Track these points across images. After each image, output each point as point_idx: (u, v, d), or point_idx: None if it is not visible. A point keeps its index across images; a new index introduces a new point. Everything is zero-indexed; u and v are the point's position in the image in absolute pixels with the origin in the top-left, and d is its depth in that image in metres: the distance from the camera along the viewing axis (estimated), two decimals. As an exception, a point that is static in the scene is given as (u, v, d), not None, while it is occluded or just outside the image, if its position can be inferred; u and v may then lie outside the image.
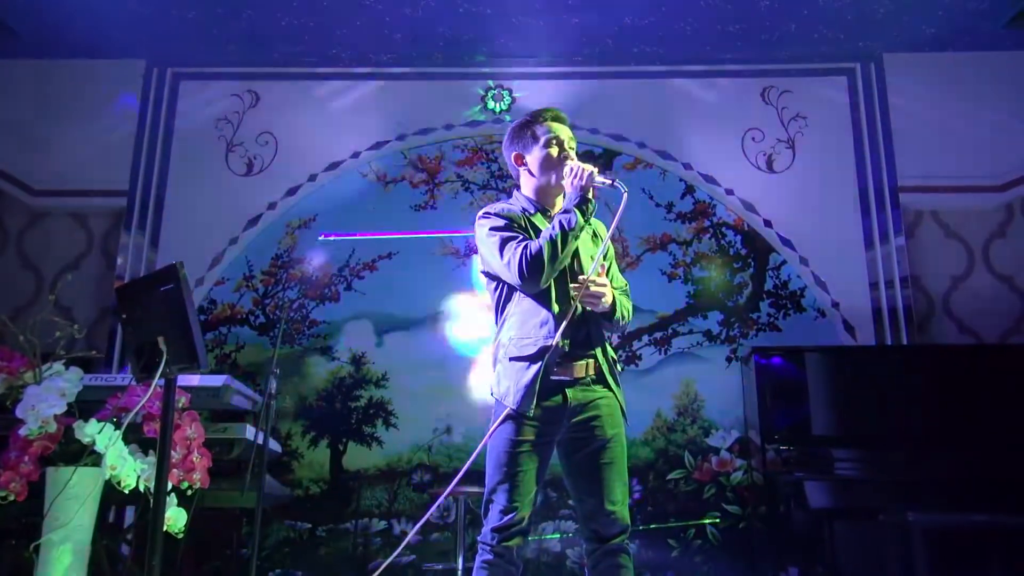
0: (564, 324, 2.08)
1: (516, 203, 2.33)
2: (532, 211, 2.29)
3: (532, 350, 2.09)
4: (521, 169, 2.34)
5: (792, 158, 4.95)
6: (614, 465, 2.09)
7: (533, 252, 2.08)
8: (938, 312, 4.73)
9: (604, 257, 2.27)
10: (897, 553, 3.50)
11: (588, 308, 2.13)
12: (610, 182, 2.12)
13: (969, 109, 4.92)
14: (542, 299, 2.15)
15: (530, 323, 2.14)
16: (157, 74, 5.17)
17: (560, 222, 2.09)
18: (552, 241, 2.07)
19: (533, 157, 2.29)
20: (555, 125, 2.29)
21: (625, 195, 2.09)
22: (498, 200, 2.43)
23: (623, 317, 2.21)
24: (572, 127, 2.36)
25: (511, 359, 2.15)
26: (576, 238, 2.11)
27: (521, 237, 2.16)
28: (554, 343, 2.06)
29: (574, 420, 2.10)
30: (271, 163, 5.04)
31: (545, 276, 2.09)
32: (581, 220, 2.10)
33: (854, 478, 3.79)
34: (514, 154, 2.35)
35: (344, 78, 5.16)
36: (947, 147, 4.88)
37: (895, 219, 4.78)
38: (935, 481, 3.66)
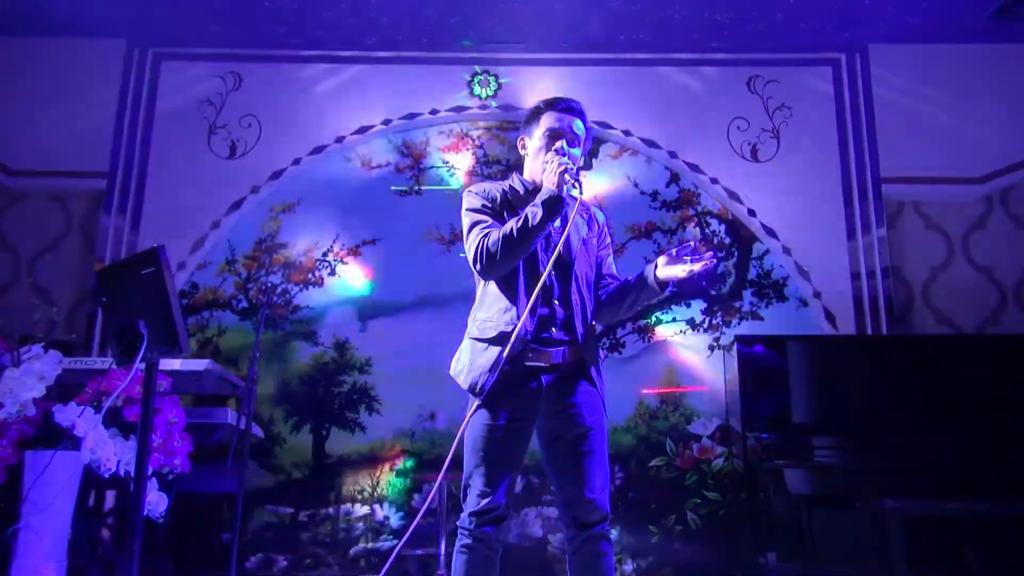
0: (525, 313, 2.05)
1: (505, 183, 2.31)
2: (521, 193, 2.25)
3: (491, 334, 2.09)
4: (523, 153, 2.33)
5: (777, 148, 4.97)
6: (594, 454, 2.08)
7: (489, 244, 2.07)
8: (918, 302, 4.78)
9: (592, 243, 2.27)
10: (874, 539, 3.56)
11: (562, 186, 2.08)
12: (570, 183, 2.07)
13: (952, 101, 4.96)
14: (508, 285, 2.14)
15: (496, 307, 2.14)
16: (138, 54, 5.09)
17: (525, 216, 2.06)
18: (507, 236, 2.04)
19: (531, 144, 2.28)
20: (562, 115, 2.23)
21: (580, 197, 2.09)
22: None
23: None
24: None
25: (472, 338, 2.16)
26: (541, 231, 2.05)
27: (488, 223, 2.15)
28: (514, 330, 2.04)
29: (552, 407, 2.09)
30: (254, 146, 4.99)
31: (498, 268, 2.08)
32: (544, 219, 2.04)
33: (833, 466, 3.84)
34: (519, 138, 2.35)
35: (329, 61, 5.11)
36: (930, 138, 4.92)
37: (877, 210, 4.81)
38: (912, 469, 3.72)
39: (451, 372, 2.19)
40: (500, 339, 2.06)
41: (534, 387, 2.08)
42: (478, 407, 2.09)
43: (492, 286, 2.18)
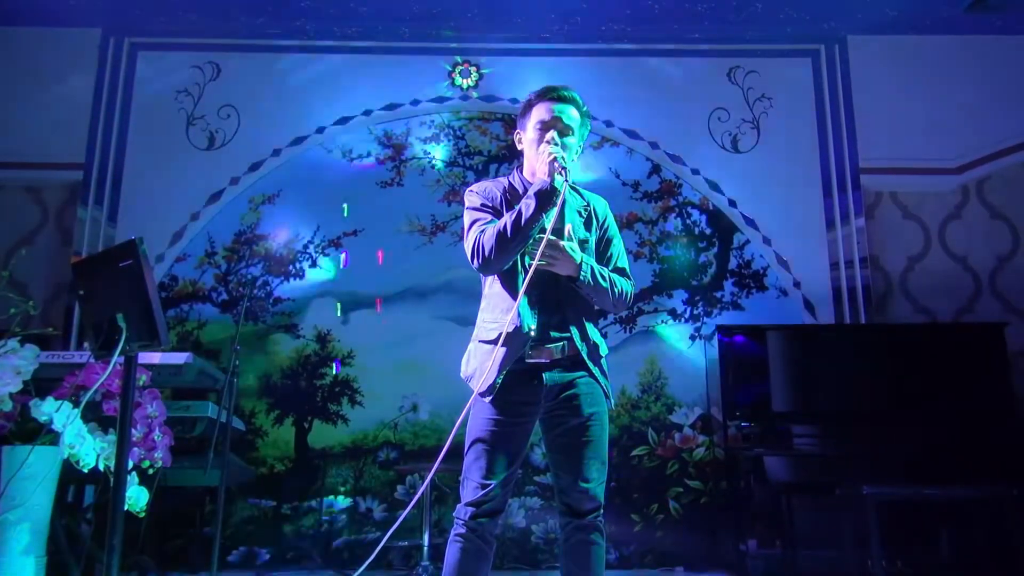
0: (516, 304, 2.05)
1: (505, 180, 2.30)
2: (520, 191, 2.23)
3: (493, 335, 2.10)
4: (519, 148, 2.31)
5: (757, 138, 5.00)
6: (592, 444, 2.09)
7: (484, 240, 2.08)
8: (895, 291, 4.84)
9: (578, 235, 2.21)
10: (852, 525, 3.61)
11: (547, 266, 2.06)
12: (559, 172, 2.05)
13: (929, 92, 5.01)
14: (509, 285, 2.14)
15: (498, 308, 2.15)
16: (114, 43, 5.02)
17: (519, 209, 2.07)
18: (501, 231, 2.05)
19: (526, 137, 2.26)
20: (555, 105, 2.20)
21: (565, 186, 2.05)
22: (466, 178, 2.41)
23: (593, 280, 2.09)
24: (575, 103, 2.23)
25: (479, 341, 2.17)
26: (535, 223, 2.05)
27: (485, 220, 2.16)
28: (505, 331, 2.04)
29: (552, 400, 2.10)
30: (233, 137, 4.94)
31: (494, 264, 2.09)
32: (537, 211, 2.04)
33: (812, 453, 3.88)
34: (515, 132, 2.32)
35: (309, 51, 5.07)
36: (907, 129, 4.97)
37: (856, 200, 4.86)
38: (890, 455, 3.77)
39: (461, 375, 2.19)
40: (503, 340, 2.06)
41: (535, 383, 2.09)
42: (477, 403, 2.10)
43: (495, 287, 2.18)
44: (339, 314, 4.70)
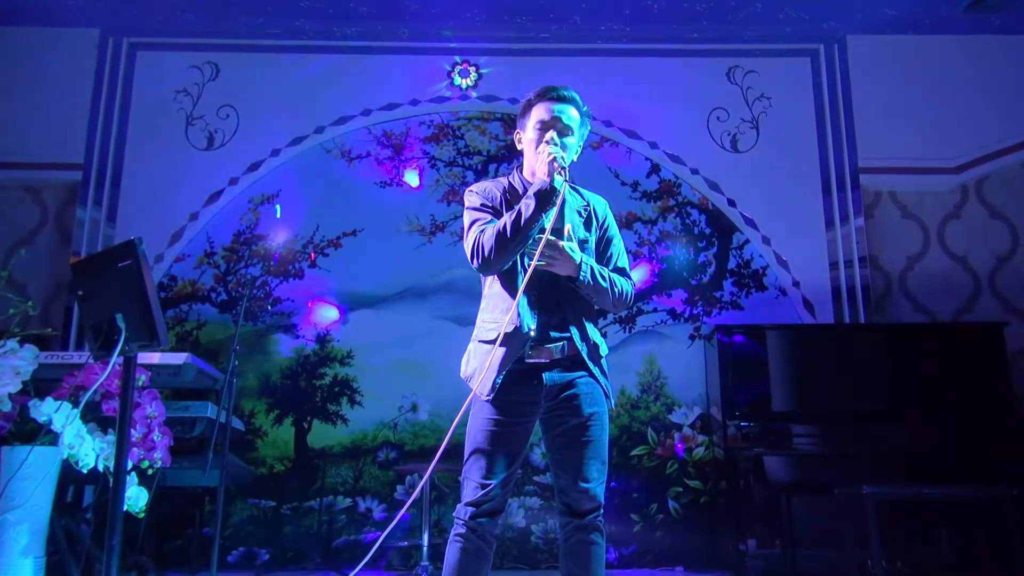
0: (515, 304, 2.05)
1: (505, 180, 2.30)
2: (520, 191, 2.23)
3: (493, 335, 2.10)
4: (519, 148, 2.31)
5: (756, 138, 5.00)
6: (592, 444, 2.09)
7: (484, 239, 2.08)
8: (894, 291, 4.84)
9: (567, 235, 2.21)
10: (852, 525, 3.61)
11: (546, 266, 2.06)
12: (559, 172, 2.05)
13: (928, 91, 5.01)
14: (509, 285, 2.14)
15: (498, 308, 2.15)
16: (112, 44, 5.01)
17: (519, 209, 2.07)
18: (501, 231, 2.06)
19: (526, 137, 2.26)
20: (555, 105, 2.20)
21: (564, 189, 2.04)
22: (465, 178, 2.41)
23: (593, 280, 2.09)
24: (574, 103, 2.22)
25: (479, 341, 2.17)
26: (534, 223, 2.04)
27: (485, 220, 2.16)
28: (504, 331, 2.04)
29: (552, 400, 2.10)
30: (232, 137, 4.94)
31: (494, 264, 2.09)
32: (536, 211, 2.04)
33: (812, 453, 3.88)
34: (515, 132, 2.32)
35: (308, 51, 5.07)
36: (906, 129, 4.97)
37: (855, 200, 4.86)
38: (890, 455, 3.77)
39: (461, 375, 2.19)
40: (503, 340, 2.06)
41: (535, 383, 2.09)
42: (477, 403, 2.10)
43: (495, 287, 2.18)
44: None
